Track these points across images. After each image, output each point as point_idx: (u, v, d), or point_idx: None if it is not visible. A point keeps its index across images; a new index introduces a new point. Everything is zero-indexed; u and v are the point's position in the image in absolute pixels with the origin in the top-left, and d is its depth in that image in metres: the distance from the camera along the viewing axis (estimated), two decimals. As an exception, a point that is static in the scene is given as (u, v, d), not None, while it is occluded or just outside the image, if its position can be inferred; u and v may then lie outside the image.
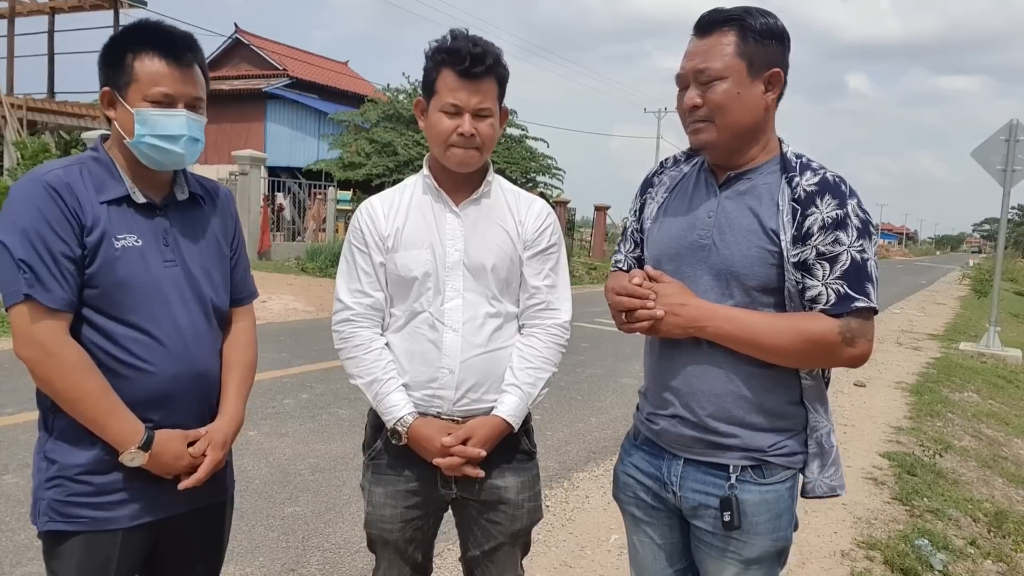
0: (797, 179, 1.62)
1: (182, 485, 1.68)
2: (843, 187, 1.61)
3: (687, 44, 1.69)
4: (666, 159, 1.93)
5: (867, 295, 1.59)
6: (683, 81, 1.69)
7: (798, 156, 1.68)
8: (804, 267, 1.61)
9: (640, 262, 1.92)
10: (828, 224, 1.58)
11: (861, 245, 1.58)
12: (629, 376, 7.74)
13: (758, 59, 1.63)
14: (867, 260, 1.59)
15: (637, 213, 1.92)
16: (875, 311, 1.61)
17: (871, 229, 1.61)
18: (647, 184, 1.92)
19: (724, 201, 1.71)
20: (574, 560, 3.59)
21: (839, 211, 1.58)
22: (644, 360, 1.90)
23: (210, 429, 1.73)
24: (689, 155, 1.89)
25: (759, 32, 1.63)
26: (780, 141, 1.73)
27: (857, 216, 1.59)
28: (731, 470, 1.68)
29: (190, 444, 1.70)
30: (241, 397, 1.82)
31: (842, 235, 1.57)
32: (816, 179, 1.61)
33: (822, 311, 1.60)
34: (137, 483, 1.66)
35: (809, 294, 1.61)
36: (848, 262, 1.58)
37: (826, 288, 1.59)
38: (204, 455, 1.71)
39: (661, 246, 1.79)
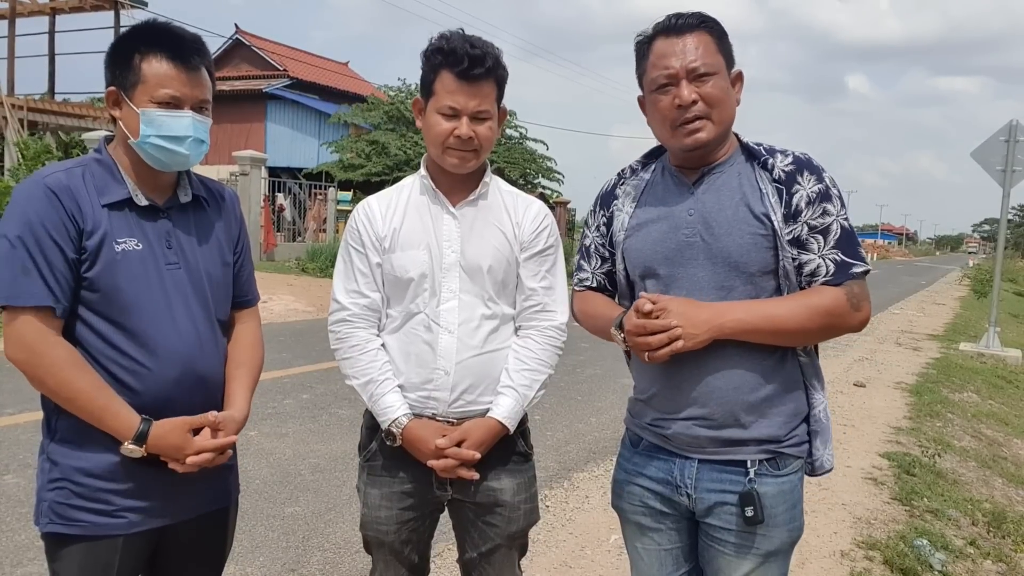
0: (772, 161, 1.70)
1: (190, 459, 1.63)
2: (815, 162, 1.71)
3: (656, 48, 1.71)
4: (623, 170, 1.93)
5: (862, 259, 1.69)
6: (674, 79, 1.68)
7: (757, 143, 1.76)
8: (798, 243, 1.68)
9: (610, 277, 1.92)
10: (814, 198, 1.66)
11: (844, 213, 1.69)
12: (629, 376, 7.71)
13: (728, 58, 1.73)
14: (852, 226, 1.71)
15: (603, 227, 1.91)
16: (868, 271, 1.70)
17: (844, 198, 1.72)
18: (610, 197, 1.91)
19: (702, 197, 1.74)
20: (574, 560, 3.59)
21: (819, 185, 1.67)
22: (640, 367, 1.87)
23: (222, 416, 1.70)
24: (644, 163, 1.91)
25: (724, 34, 1.73)
26: (735, 134, 1.80)
27: (835, 187, 1.69)
28: (749, 465, 1.70)
29: (197, 431, 1.67)
30: (248, 392, 1.81)
31: (829, 206, 1.67)
32: (790, 159, 1.70)
33: (824, 282, 1.66)
34: (141, 489, 1.65)
35: (807, 268, 1.68)
36: (839, 231, 1.67)
37: (823, 259, 1.67)
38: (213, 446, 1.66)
39: (646, 253, 1.78)
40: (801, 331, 1.67)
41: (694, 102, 1.66)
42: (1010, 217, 21.69)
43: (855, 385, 8.09)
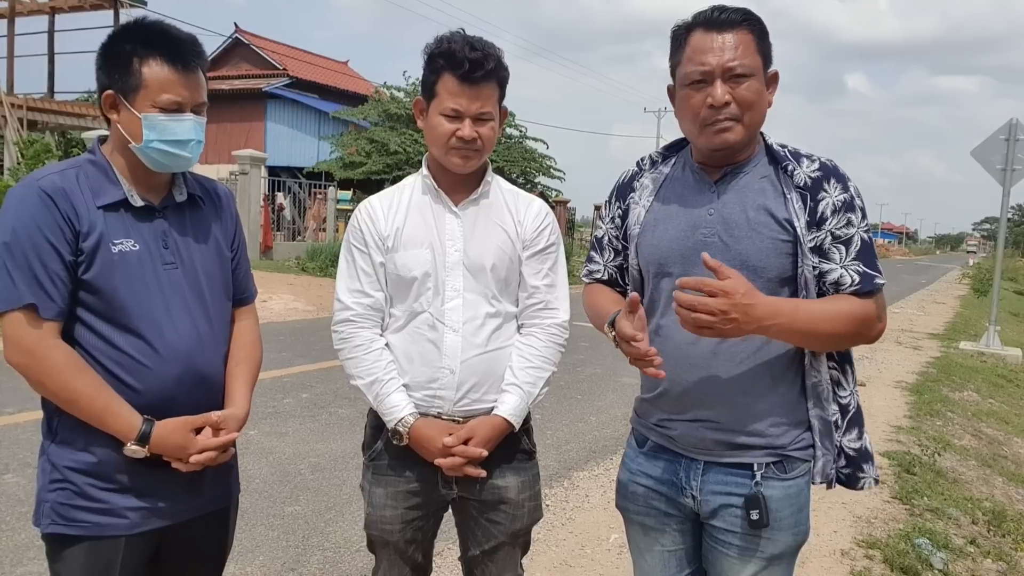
0: (795, 167, 1.66)
1: (193, 458, 1.64)
2: (840, 170, 1.67)
3: (693, 40, 1.65)
4: (641, 160, 1.90)
5: (880, 271, 1.66)
6: (709, 77, 1.62)
7: (782, 145, 1.72)
8: (820, 252, 1.64)
9: (622, 271, 1.90)
10: (839, 207, 1.63)
11: (866, 225, 1.66)
12: (629, 375, 7.73)
13: (767, 59, 1.67)
14: (871, 239, 1.68)
15: (617, 219, 1.88)
16: (884, 284, 1.69)
17: (865, 208, 1.69)
18: (627, 188, 1.87)
19: (723, 197, 1.70)
20: (574, 559, 3.60)
21: (845, 194, 1.64)
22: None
23: (223, 415, 1.70)
24: (664, 155, 1.87)
25: (765, 33, 1.67)
26: (761, 134, 1.75)
27: (858, 197, 1.66)
28: (755, 468, 1.68)
29: (199, 431, 1.67)
30: (248, 389, 1.81)
31: (852, 216, 1.64)
32: (816, 165, 1.66)
33: (851, 292, 1.64)
34: (142, 489, 1.65)
35: (830, 277, 1.64)
36: (860, 243, 1.64)
37: (846, 270, 1.64)
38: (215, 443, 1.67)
39: (662, 250, 1.75)
40: (836, 336, 1.63)
41: (727, 103, 1.61)
42: (1010, 216, 21.72)
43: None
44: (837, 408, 1.73)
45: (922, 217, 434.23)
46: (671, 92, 1.77)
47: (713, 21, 1.63)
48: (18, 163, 15.30)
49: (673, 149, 1.88)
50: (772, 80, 1.70)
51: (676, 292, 1.52)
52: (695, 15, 1.68)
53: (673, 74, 1.74)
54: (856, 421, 1.74)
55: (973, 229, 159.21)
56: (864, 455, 1.74)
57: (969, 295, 23.56)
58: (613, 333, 1.70)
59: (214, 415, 1.68)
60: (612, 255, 1.91)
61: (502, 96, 1.92)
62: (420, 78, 1.96)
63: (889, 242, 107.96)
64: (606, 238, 1.92)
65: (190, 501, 1.73)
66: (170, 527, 1.71)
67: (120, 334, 1.61)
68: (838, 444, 1.73)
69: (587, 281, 1.97)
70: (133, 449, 1.59)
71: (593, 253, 1.96)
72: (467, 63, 1.81)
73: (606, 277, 1.93)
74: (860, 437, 1.74)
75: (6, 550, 3.37)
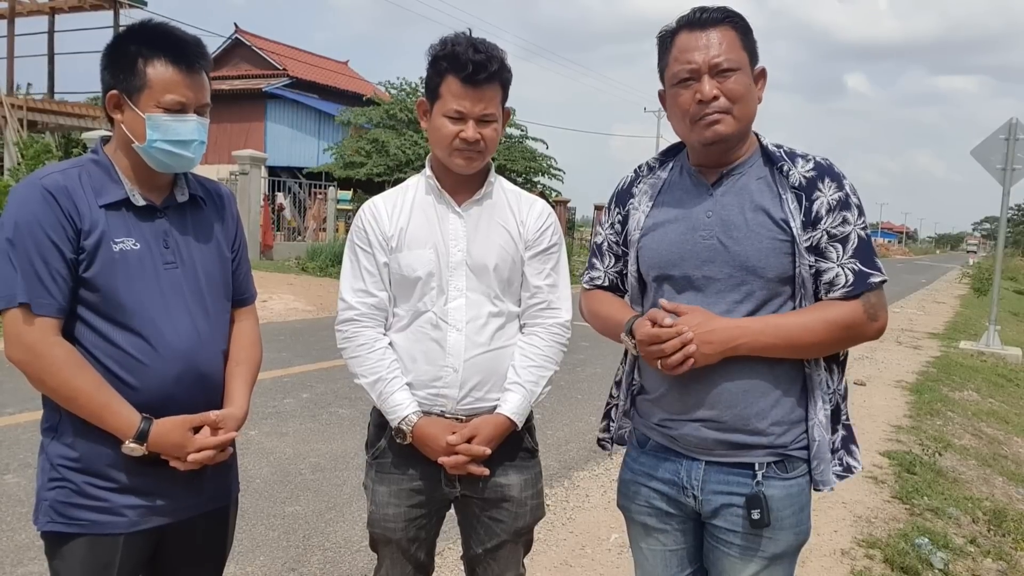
0: (790, 167, 1.67)
1: (191, 457, 1.64)
2: (835, 168, 1.69)
3: (678, 42, 1.69)
4: (640, 166, 1.91)
5: (879, 269, 1.66)
6: (696, 74, 1.65)
7: (778, 146, 1.73)
8: (816, 251, 1.65)
9: (623, 276, 1.91)
10: (834, 206, 1.64)
11: (863, 223, 1.67)
12: (629, 375, 7.71)
13: (753, 55, 1.70)
14: (869, 236, 1.68)
15: (617, 225, 1.89)
16: (886, 281, 1.68)
17: (863, 206, 1.69)
18: (626, 195, 1.89)
19: (720, 199, 1.72)
20: (574, 559, 3.60)
21: (840, 193, 1.65)
22: (649, 366, 1.82)
23: (222, 414, 1.71)
24: (662, 160, 1.89)
25: (748, 29, 1.70)
26: (756, 134, 1.77)
27: (854, 195, 1.67)
28: (757, 468, 1.69)
29: (197, 430, 1.67)
30: (247, 389, 1.82)
31: (848, 215, 1.65)
32: (811, 165, 1.68)
33: (844, 293, 1.64)
34: (141, 488, 1.66)
35: (826, 277, 1.65)
36: (857, 241, 1.65)
37: (842, 269, 1.64)
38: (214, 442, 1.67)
39: (662, 254, 1.76)
40: (818, 344, 1.65)
41: (715, 98, 1.63)
42: (1010, 215, 21.72)
43: (855, 383, 8.08)
44: (828, 407, 1.73)
45: (922, 217, 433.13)
46: (662, 97, 1.80)
47: (696, 21, 1.68)
48: (18, 164, 15.30)
49: (670, 154, 1.89)
50: (760, 76, 1.72)
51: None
52: (678, 18, 1.72)
53: (662, 78, 1.77)
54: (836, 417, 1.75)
55: (973, 229, 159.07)
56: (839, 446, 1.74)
57: (969, 294, 23.55)
58: (632, 341, 1.71)
59: (212, 414, 1.68)
60: (613, 261, 1.92)
61: (505, 97, 1.93)
62: (424, 81, 1.96)
63: (889, 242, 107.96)
64: (605, 244, 1.93)
65: (189, 500, 1.73)
66: (169, 526, 1.72)
67: (120, 332, 1.62)
68: (831, 444, 1.73)
69: (588, 287, 1.98)
70: (131, 447, 1.60)
71: (594, 259, 1.97)
72: (471, 65, 1.81)
73: (607, 283, 1.94)
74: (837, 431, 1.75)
75: (6, 550, 3.37)
